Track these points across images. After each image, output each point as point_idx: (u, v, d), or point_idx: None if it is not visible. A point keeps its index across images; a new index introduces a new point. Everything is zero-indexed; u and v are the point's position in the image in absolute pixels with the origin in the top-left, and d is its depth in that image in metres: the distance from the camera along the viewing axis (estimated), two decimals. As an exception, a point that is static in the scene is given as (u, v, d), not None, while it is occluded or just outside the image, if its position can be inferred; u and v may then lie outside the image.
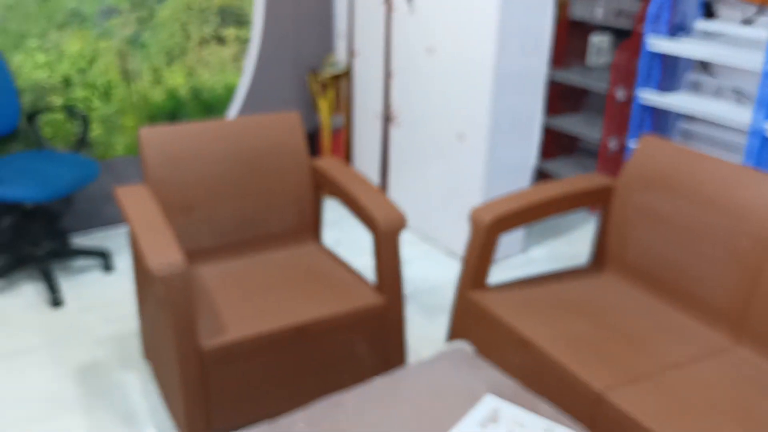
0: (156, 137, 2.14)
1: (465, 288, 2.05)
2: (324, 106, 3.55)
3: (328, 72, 3.50)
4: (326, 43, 3.55)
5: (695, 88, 3.25)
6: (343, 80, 3.55)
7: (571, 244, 3.27)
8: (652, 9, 3.07)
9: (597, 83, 3.41)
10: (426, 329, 2.58)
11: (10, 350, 2.39)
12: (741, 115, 2.87)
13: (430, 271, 2.98)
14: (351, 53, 3.48)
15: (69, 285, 2.80)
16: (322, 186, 2.31)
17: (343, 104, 3.59)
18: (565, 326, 1.86)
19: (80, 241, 3.14)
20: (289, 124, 2.32)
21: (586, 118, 3.76)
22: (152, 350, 2.15)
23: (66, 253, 2.86)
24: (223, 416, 1.85)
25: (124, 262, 2.99)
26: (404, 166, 3.29)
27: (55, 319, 2.57)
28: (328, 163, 2.30)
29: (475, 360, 1.66)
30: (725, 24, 2.99)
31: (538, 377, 1.79)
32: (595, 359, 1.73)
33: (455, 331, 2.10)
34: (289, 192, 2.30)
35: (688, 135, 3.35)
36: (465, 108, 2.84)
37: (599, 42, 3.49)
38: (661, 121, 3.39)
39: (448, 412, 1.48)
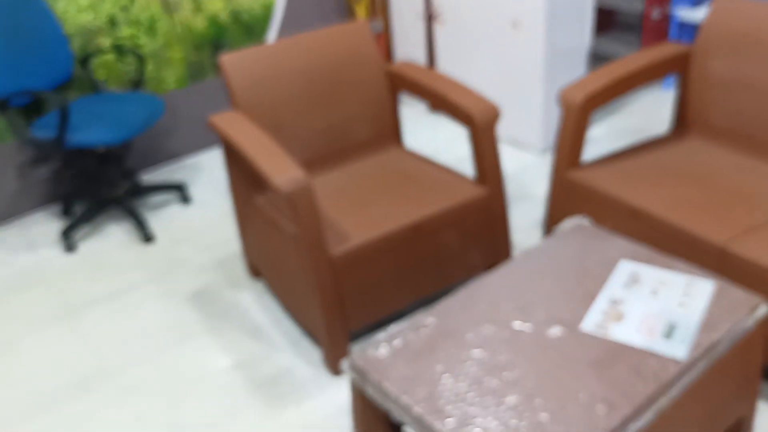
0: (237, 62, 2.15)
1: (562, 168, 2.11)
2: (361, 11, 3.49)
3: (360, -23, 3.43)
4: (356, -54, 3.46)
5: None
6: (377, -17, 3.48)
7: (627, 119, 3.31)
8: None
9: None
10: (511, 218, 2.66)
11: (119, 289, 2.49)
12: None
13: (496, 163, 3.05)
14: (383, -47, 3.39)
15: (153, 221, 2.88)
16: (399, 90, 2.33)
17: (380, 8, 3.53)
18: (670, 192, 1.94)
19: (148, 178, 3.20)
20: (359, 33, 2.31)
21: (623, -9, 3.69)
22: (265, 268, 2.25)
23: (142, 191, 2.92)
24: (355, 317, 1.96)
25: (199, 192, 3.05)
26: (454, 63, 3.28)
27: (151, 254, 2.67)
28: (403, 66, 2.31)
29: (599, 231, 1.75)
30: None
31: (654, 243, 1.89)
32: (709, 217, 1.81)
33: (555, 213, 2.19)
34: (369, 99, 2.32)
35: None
36: (518, -6, 2.81)
37: None
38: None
39: (590, 280, 1.58)
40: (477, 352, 1.41)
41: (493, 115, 2.02)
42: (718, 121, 2.17)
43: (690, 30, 3.41)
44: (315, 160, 2.29)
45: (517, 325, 1.47)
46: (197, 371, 2.07)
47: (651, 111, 3.35)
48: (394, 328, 1.50)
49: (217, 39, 3.18)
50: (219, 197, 3.01)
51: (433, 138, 3.31)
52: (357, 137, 2.34)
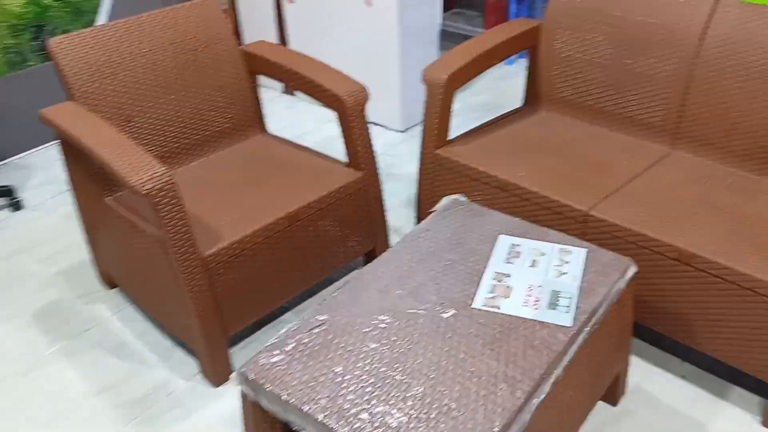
0: (70, 47, 1.89)
1: (430, 147, 2.11)
2: (202, -9, 3.26)
3: (198, -48, 3.19)
4: None
5: None
6: (217, -41, 3.26)
7: (478, 94, 3.40)
8: None
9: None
10: (377, 199, 2.64)
11: (-54, 315, 2.15)
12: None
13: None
14: (221, -73, 3.17)
15: (-21, 234, 2.51)
16: (256, 72, 2.20)
17: (222, -14, 3.32)
18: (533, 164, 2.00)
19: (-33, 185, 2.78)
20: (207, 11, 2.14)
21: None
22: (124, 275, 2.04)
23: (-38, 200, 2.54)
24: (234, 320, 1.84)
25: (32, 196, 2.71)
26: (307, 43, 3.17)
27: (-18, 272, 2.33)
28: (260, 47, 2.18)
29: (475, 208, 1.76)
30: None
31: (524, 214, 1.94)
32: (570, 186, 1.89)
33: (426, 190, 2.18)
34: (225, 83, 2.16)
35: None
36: (368, -30, 2.75)
37: None
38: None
39: (474, 257, 1.58)
40: (375, 346, 1.35)
41: (362, 97, 1.96)
42: (566, 95, 2.28)
43: (527, 6, 3.57)
44: (172, 154, 2.10)
45: (411, 311, 1.44)
46: (55, 401, 1.83)
47: (499, 85, 3.48)
48: (284, 331, 1.41)
49: (39, 21, 2.81)
50: (58, 200, 2.69)
51: (294, 121, 3.19)
52: (216, 125, 2.18)
